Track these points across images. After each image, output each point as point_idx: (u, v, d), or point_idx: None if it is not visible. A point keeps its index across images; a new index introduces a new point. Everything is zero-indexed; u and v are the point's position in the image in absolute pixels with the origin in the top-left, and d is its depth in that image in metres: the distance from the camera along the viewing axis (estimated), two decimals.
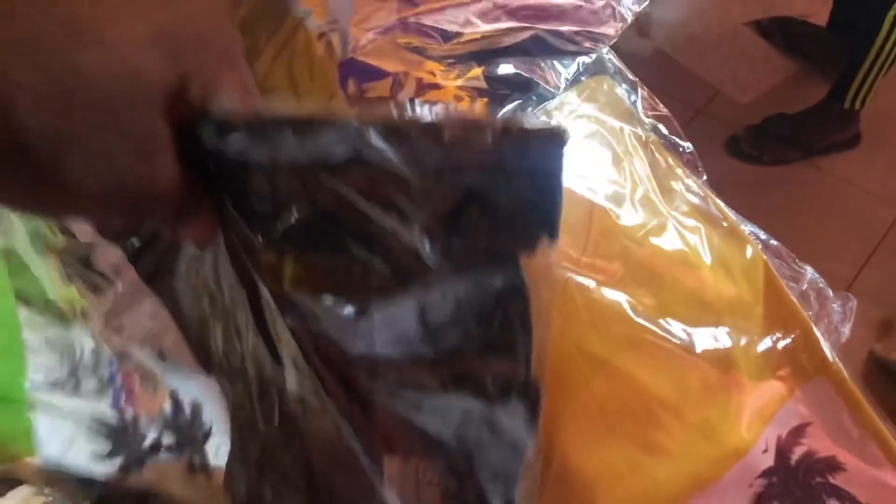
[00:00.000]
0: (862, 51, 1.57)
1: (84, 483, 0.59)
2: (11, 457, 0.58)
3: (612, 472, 0.47)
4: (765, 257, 0.55)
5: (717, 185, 1.85)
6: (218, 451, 0.50)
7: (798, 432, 0.52)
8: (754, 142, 1.76)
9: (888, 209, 1.70)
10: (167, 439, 0.52)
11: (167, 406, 0.52)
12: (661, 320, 0.50)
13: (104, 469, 0.53)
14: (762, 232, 0.58)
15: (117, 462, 0.53)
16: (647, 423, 0.48)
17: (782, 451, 0.51)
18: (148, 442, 0.52)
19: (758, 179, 1.74)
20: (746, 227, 0.57)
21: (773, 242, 0.57)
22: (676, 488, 0.48)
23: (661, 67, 1.98)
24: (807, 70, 1.96)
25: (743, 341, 0.52)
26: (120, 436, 0.53)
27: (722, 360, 0.51)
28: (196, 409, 0.51)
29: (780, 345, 0.53)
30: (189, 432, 0.52)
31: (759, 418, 0.51)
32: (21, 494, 0.57)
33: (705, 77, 1.96)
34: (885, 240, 1.66)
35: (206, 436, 0.51)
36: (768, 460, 0.50)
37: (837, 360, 0.54)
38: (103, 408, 0.53)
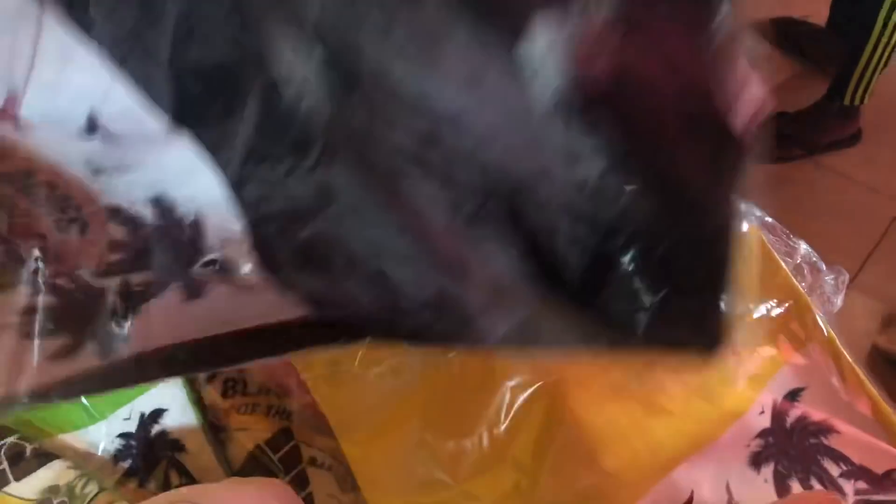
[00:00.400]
0: (859, 47, 1.60)
1: (115, 456, 0.62)
2: (46, 433, 0.61)
3: (618, 431, 0.50)
4: (760, 232, 0.58)
5: None
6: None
7: (793, 396, 0.55)
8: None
9: (889, 204, 1.72)
10: (137, 278, 0.38)
11: (116, 232, 0.36)
12: None
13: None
14: (757, 209, 0.61)
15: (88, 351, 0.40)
16: (649, 384, 0.51)
17: (778, 413, 0.54)
18: (110, 305, 0.38)
19: (760, 177, 1.77)
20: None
21: (768, 219, 0.60)
22: (677, 447, 0.51)
23: None
24: (807, 70, 1.99)
25: (739, 310, 0.54)
26: (69, 315, 0.40)
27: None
28: (168, 212, 0.36)
29: (775, 313, 0.55)
30: (172, 251, 0.37)
31: (754, 382, 0.53)
32: (55, 468, 0.60)
33: None
34: (887, 234, 1.68)
35: (198, 235, 0.36)
36: (764, 422, 0.53)
37: (829, 328, 0.57)
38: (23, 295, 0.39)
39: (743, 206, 0.59)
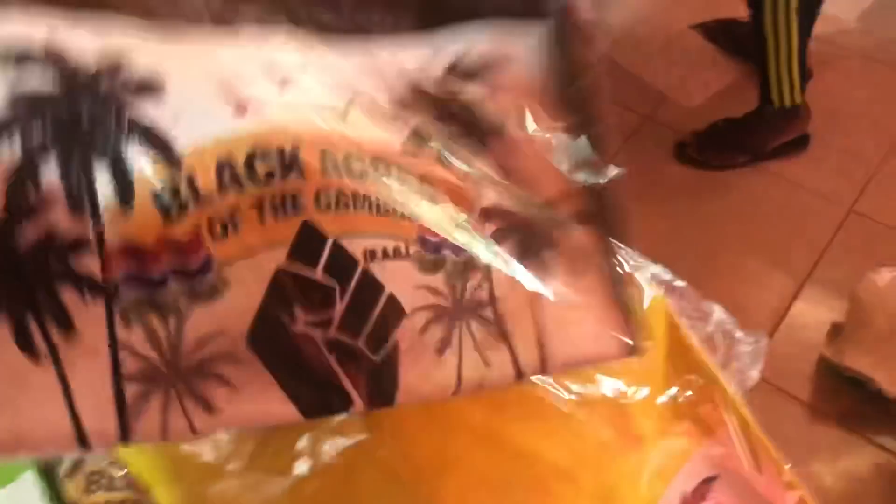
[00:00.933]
0: (761, 46, 1.58)
1: None
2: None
3: None
4: (667, 304, 0.52)
5: (667, 193, 1.82)
6: None
7: (704, 487, 0.49)
8: (701, 147, 1.75)
9: (836, 210, 1.69)
10: None
11: None
12: (551, 379, 0.47)
13: None
14: (667, 273, 0.55)
15: None
16: (537, 492, 0.45)
17: None
18: None
19: (707, 185, 1.73)
20: (648, 271, 0.54)
21: (679, 283, 0.55)
22: None
23: (607, 74, 1.96)
24: (754, 72, 1.95)
25: (642, 395, 0.49)
26: None
27: (620, 417, 0.48)
28: None
29: (683, 397, 0.50)
30: None
31: (661, 477, 0.48)
32: None
33: (652, 82, 1.95)
34: (834, 241, 1.65)
35: None
36: None
37: (744, 407, 0.52)
38: None
39: (651, 271, 0.54)
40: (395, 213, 0.47)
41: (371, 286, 0.45)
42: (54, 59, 0.42)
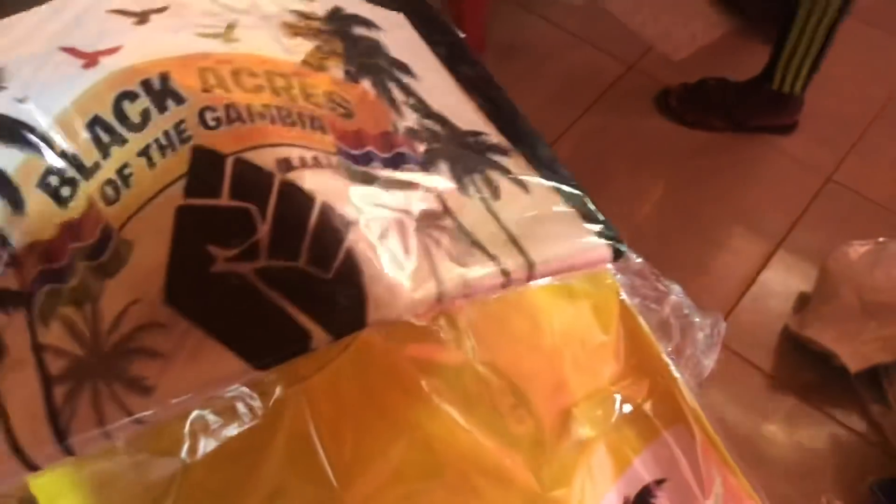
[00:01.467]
0: (785, 28, 1.47)
1: None
2: None
3: None
4: (621, 293, 0.47)
5: (644, 147, 1.75)
6: None
7: (648, 492, 0.45)
8: (683, 100, 1.68)
9: (815, 177, 1.65)
10: None
11: None
12: (483, 367, 0.42)
13: None
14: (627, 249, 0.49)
15: None
16: (462, 492, 0.40)
17: None
18: None
19: (685, 142, 1.67)
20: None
21: (637, 260, 0.49)
22: None
23: (593, 19, 1.88)
24: (745, 28, 1.88)
25: (586, 392, 0.44)
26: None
27: (560, 415, 0.43)
28: None
29: (630, 397, 0.45)
30: None
31: (601, 481, 0.43)
32: None
33: (638, 32, 1.87)
34: (810, 210, 1.61)
35: None
36: None
37: (696, 404, 0.47)
38: None
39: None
40: (305, 124, 0.43)
41: (297, 197, 0.40)
42: None
